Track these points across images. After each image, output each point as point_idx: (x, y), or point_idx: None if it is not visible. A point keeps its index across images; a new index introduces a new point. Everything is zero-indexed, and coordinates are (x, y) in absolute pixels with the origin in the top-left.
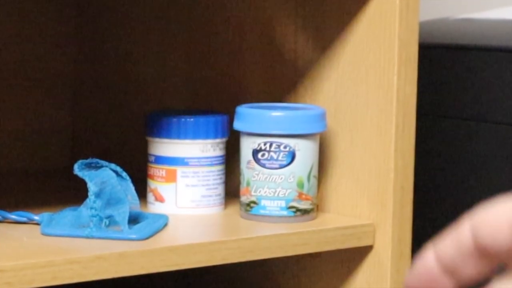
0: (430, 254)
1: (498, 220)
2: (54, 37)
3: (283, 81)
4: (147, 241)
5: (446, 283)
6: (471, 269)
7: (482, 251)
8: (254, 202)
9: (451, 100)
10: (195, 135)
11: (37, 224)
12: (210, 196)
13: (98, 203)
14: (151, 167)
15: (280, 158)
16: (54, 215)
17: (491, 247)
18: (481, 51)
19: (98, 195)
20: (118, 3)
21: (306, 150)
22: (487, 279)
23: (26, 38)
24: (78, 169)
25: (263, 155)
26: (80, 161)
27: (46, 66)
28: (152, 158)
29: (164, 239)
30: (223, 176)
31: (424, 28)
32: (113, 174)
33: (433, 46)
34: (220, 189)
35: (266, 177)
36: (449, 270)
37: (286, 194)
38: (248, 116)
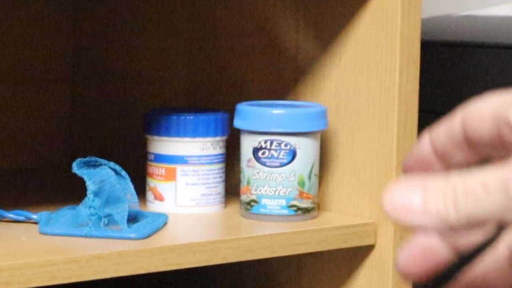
0: (426, 139)
1: (482, 113)
2: (52, 35)
3: (284, 79)
4: (146, 240)
5: (437, 166)
6: (460, 156)
7: (469, 141)
8: (254, 201)
9: (454, 98)
10: (195, 133)
11: (35, 223)
12: (210, 194)
13: (97, 202)
14: (151, 165)
15: (280, 156)
16: (52, 214)
17: (476, 138)
18: (483, 48)
19: (96, 193)
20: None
21: (307, 148)
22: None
23: (22, 35)
24: (76, 168)
25: (263, 153)
26: (79, 159)
27: (43, 63)
28: (151, 156)
29: (164, 238)
30: (223, 175)
31: (426, 25)
32: (112, 173)
33: (435, 43)
34: (220, 188)
35: (267, 176)
36: (440, 155)
37: (287, 193)
38: (249, 114)
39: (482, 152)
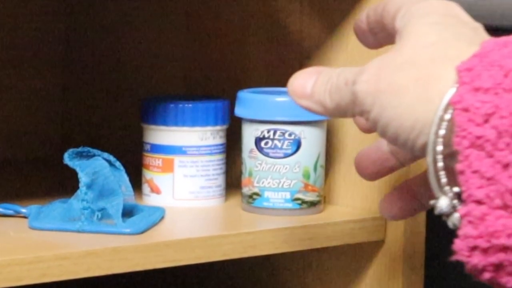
0: (364, 13)
1: (391, 8)
2: (43, 22)
3: (288, 64)
4: (142, 235)
5: (371, 39)
6: (382, 36)
7: (381, 21)
8: (256, 194)
9: None
10: (194, 122)
11: (25, 217)
12: (209, 187)
13: (90, 194)
14: (147, 156)
15: (284, 146)
16: (42, 208)
17: (385, 25)
18: (494, 31)
19: (89, 186)
20: None
21: (312, 138)
22: None
23: (11, 20)
24: (68, 159)
25: (266, 143)
26: (71, 150)
27: (33, 48)
28: (147, 147)
29: (161, 233)
30: (223, 166)
31: None
32: (106, 164)
33: None
34: (220, 180)
35: (270, 167)
36: (371, 30)
37: (291, 185)
38: (251, 102)
39: (393, 38)
